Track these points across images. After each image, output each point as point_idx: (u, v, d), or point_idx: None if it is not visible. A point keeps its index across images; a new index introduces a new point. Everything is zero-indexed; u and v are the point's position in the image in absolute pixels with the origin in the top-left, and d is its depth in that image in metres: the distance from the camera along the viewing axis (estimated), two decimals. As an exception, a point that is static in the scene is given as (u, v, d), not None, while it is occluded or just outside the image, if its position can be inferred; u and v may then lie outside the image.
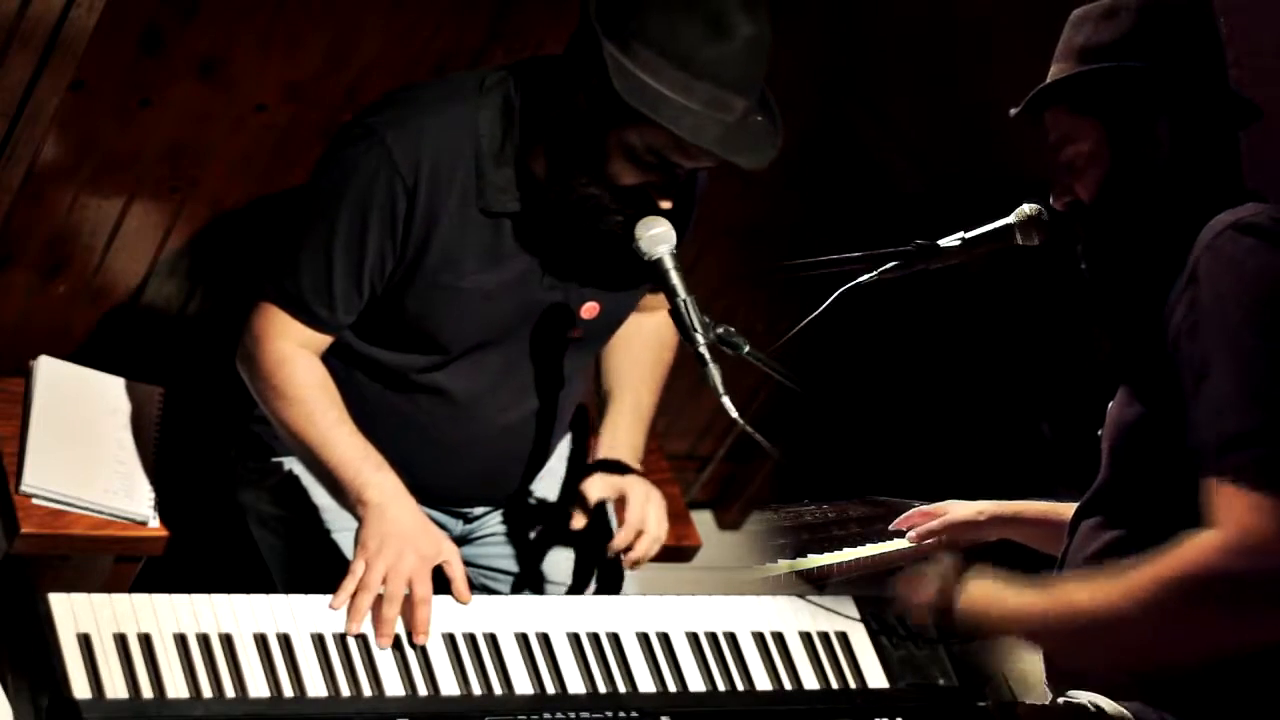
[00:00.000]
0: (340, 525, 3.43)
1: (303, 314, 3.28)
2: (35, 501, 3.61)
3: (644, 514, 3.37)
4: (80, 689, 2.64)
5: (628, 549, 3.37)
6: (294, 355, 3.28)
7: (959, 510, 3.22)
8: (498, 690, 2.88)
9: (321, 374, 3.29)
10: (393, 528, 3.08)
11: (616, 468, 3.43)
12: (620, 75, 3.06)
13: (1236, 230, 2.67)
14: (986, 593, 2.83)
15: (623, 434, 3.49)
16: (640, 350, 3.58)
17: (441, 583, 3.06)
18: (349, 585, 2.97)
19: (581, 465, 3.68)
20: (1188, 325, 2.68)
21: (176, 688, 2.70)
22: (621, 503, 3.40)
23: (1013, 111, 2.91)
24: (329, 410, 3.24)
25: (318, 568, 3.40)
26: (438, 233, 3.24)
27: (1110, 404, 2.88)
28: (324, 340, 3.31)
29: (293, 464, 3.48)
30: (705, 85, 3.06)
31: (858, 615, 3.15)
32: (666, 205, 3.18)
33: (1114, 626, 2.67)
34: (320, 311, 3.28)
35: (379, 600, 2.95)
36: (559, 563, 3.55)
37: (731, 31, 3.06)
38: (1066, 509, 3.01)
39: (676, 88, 3.06)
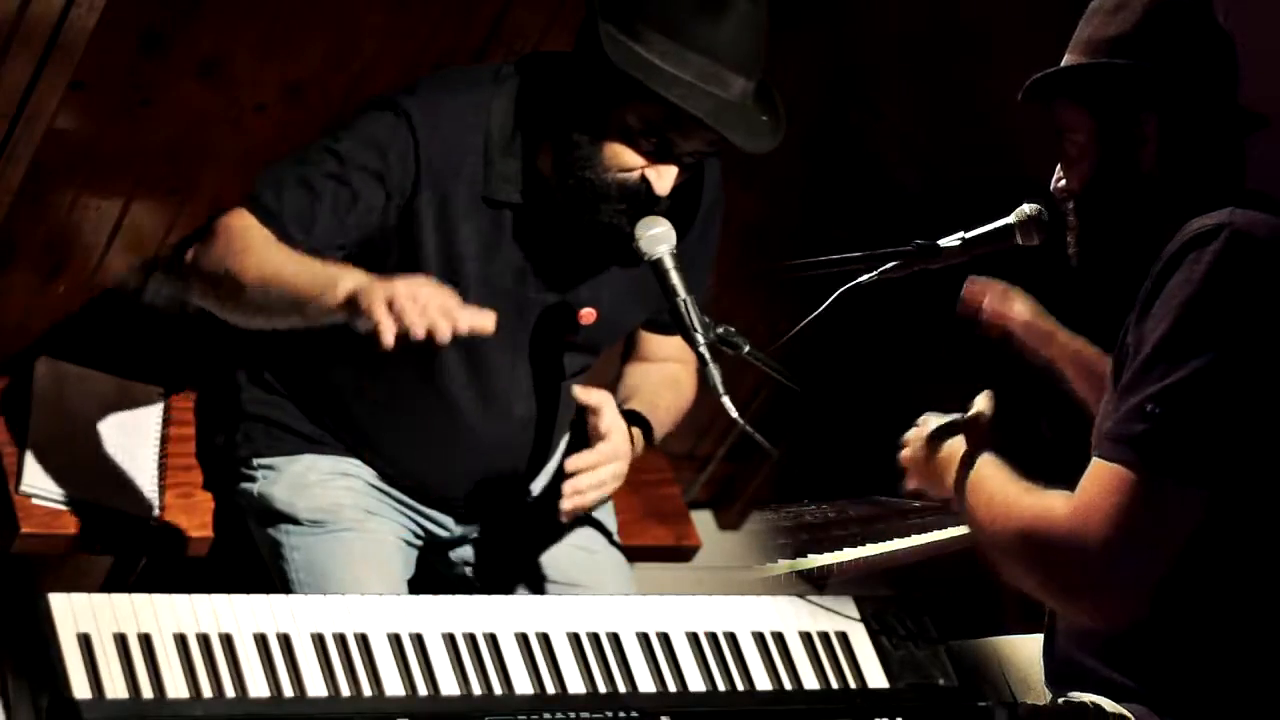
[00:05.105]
0: (340, 525, 3.43)
1: (276, 231, 3.21)
2: (35, 501, 3.61)
3: (607, 433, 3.25)
4: (80, 689, 2.64)
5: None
6: (255, 224, 3.21)
7: (1020, 306, 3.29)
8: (498, 690, 2.88)
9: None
10: (389, 281, 2.96)
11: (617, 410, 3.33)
12: (614, 47, 3.11)
13: (1197, 237, 2.68)
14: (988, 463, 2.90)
15: (634, 406, 3.42)
16: (657, 377, 3.55)
17: (441, 586, 3.06)
18: (382, 315, 2.88)
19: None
20: (1133, 320, 2.72)
21: (176, 688, 2.70)
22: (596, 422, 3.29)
23: (1019, 98, 2.93)
24: (288, 250, 3.15)
25: (317, 567, 3.41)
26: (443, 216, 3.25)
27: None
28: None
29: (291, 464, 3.48)
30: (699, 58, 3.11)
31: (858, 615, 3.15)
32: (663, 191, 3.19)
33: (984, 521, 2.82)
34: (295, 234, 3.21)
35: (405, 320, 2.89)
36: (559, 563, 3.55)
37: (727, 7, 3.11)
38: (1102, 363, 3.03)
39: (670, 59, 3.10)
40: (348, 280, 2.98)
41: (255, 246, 3.17)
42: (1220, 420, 2.63)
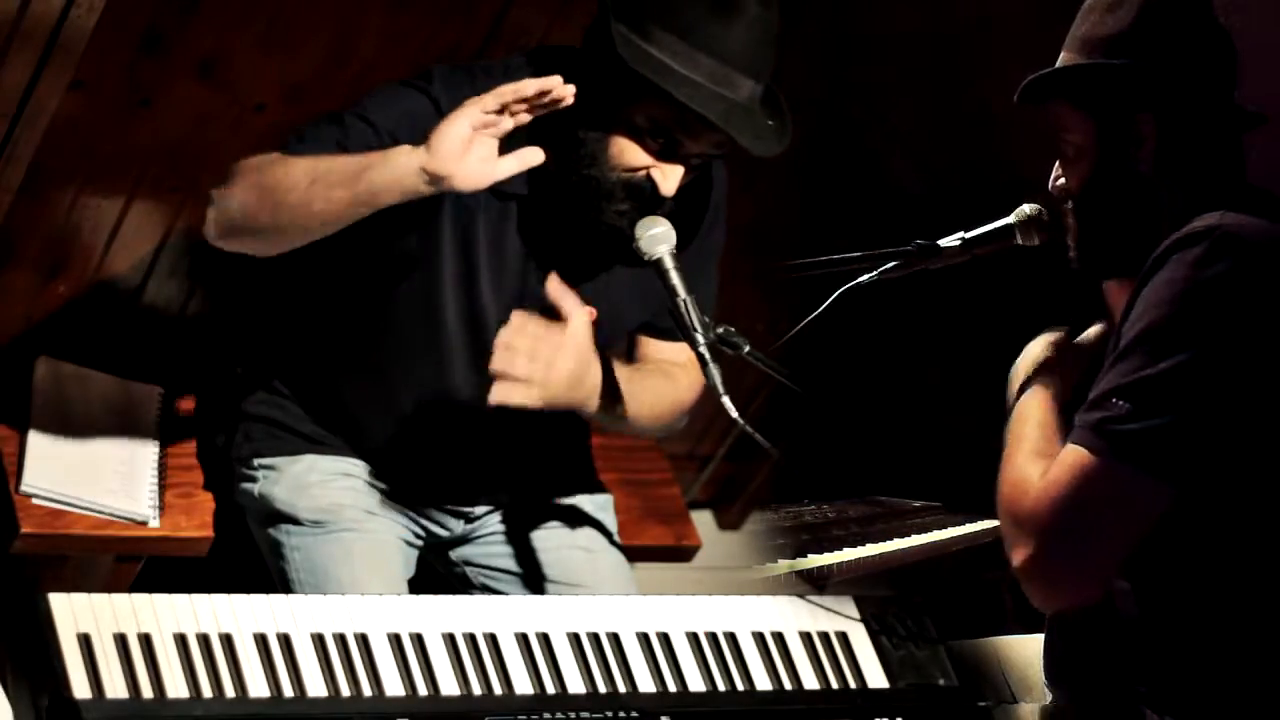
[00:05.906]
0: (340, 525, 3.43)
1: None
2: (35, 501, 3.61)
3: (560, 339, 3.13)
4: (80, 689, 2.64)
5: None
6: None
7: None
8: (498, 690, 2.88)
9: None
10: None
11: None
12: (626, 46, 3.13)
13: (1185, 237, 2.68)
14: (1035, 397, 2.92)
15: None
16: (649, 366, 3.51)
17: (441, 586, 3.05)
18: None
19: (581, 463, 3.68)
20: (1120, 321, 2.72)
21: (176, 688, 2.70)
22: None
23: (1015, 99, 2.93)
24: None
25: (318, 567, 3.41)
26: (459, 202, 3.25)
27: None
28: None
29: (292, 464, 3.48)
30: (709, 60, 3.13)
31: (858, 615, 3.15)
32: (669, 191, 3.19)
33: (1003, 455, 2.85)
34: None
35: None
36: (559, 563, 3.55)
37: (738, 10, 3.13)
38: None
39: (680, 60, 3.12)
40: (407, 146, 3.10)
41: (293, 156, 3.20)
42: (1186, 417, 2.63)
